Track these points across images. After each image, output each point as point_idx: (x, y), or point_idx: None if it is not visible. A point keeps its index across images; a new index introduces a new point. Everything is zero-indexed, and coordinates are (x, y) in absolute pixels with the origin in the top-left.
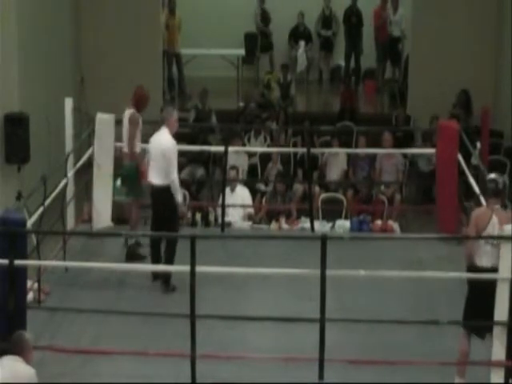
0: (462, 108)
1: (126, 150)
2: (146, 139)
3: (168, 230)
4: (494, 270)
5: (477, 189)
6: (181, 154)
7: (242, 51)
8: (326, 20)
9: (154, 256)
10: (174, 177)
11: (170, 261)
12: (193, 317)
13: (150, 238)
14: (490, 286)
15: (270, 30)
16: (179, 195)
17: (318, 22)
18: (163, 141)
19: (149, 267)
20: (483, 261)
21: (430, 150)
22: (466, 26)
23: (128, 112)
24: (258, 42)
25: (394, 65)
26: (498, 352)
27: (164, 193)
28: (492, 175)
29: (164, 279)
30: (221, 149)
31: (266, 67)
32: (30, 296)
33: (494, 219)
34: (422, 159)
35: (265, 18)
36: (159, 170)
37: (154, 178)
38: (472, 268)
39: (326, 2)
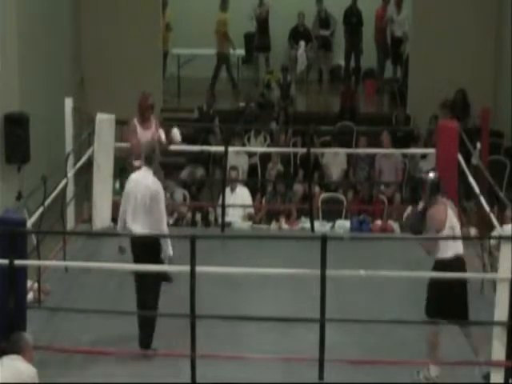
0: (459, 108)
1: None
2: None
3: (147, 294)
4: (459, 259)
5: (477, 189)
6: (181, 154)
7: (241, 51)
8: (323, 21)
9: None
10: (165, 227)
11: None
12: (193, 317)
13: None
14: (459, 270)
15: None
16: (170, 248)
17: (315, 23)
18: (151, 183)
19: (151, 267)
20: (448, 252)
21: (430, 150)
22: (465, 26)
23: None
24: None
25: (395, 65)
26: (498, 352)
27: (150, 245)
28: (431, 174)
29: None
30: (221, 149)
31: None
32: (30, 296)
33: (450, 211)
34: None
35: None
36: (146, 217)
37: (138, 226)
38: (438, 261)
39: (319, 7)
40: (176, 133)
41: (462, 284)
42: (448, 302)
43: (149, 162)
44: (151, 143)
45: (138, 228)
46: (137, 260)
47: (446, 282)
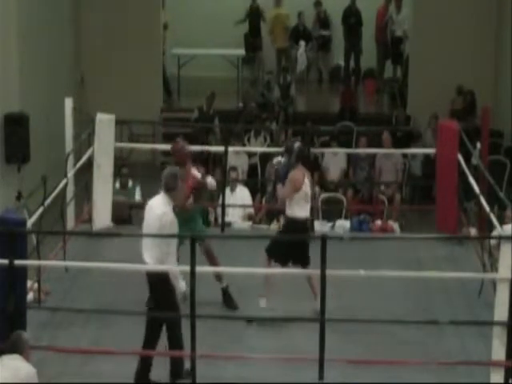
0: (467, 108)
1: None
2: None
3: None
4: (308, 219)
5: (477, 189)
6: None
7: (241, 51)
8: (322, 21)
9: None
10: (173, 260)
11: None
12: (193, 317)
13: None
14: (308, 230)
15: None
16: (182, 283)
17: (315, 24)
18: (161, 213)
19: (150, 267)
20: (301, 213)
21: (430, 150)
22: (466, 26)
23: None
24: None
25: (395, 65)
26: (498, 352)
27: (158, 278)
28: (297, 143)
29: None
30: (221, 149)
31: (266, 67)
32: (30, 296)
33: (306, 180)
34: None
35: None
36: (153, 247)
37: (147, 257)
38: (290, 218)
39: (317, 8)
40: (211, 182)
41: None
42: (291, 250)
43: (166, 188)
44: (173, 169)
45: (147, 258)
46: (150, 291)
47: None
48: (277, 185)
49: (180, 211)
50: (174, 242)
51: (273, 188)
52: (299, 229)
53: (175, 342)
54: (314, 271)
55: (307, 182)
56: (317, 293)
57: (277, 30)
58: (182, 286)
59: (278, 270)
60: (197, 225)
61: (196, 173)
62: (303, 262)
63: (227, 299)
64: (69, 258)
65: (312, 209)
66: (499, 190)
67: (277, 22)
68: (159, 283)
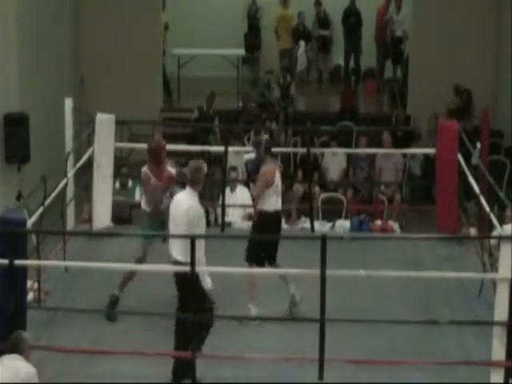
0: (464, 108)
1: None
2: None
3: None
4: (278, 213)
5: (477, 189)
6: (181, 154)
7: (241, 51)
8: (321, 21)
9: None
10: (202, 255)
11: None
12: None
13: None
14: (275, 225)
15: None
16: (208, 279)
17: (314, 24)
18: (189, 207)
19: (150, 267)
20: (273, 206)
21: (430, 150)
22: (466, 26)
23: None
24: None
25: (395, 65)
26: (498, 352)
27: (185, 274)
28: (265, 136)
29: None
30: (221, 149)
31: (265, 67)
32: (30, 296)
33: (277, 174)
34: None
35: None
36: (181, 242)
37: (174, 252)
38: (262, 212)
39: (317, 8)
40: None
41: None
42: (266, 249)
43: (192, 183)
44: (197, 163)
45: (174, 253)
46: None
47: (267, 232)
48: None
49: (155, 213)
50: (203, 235)
51: (247, 186)
52: (272, 222)
53: (178, 344)
54: (313, 271)
55: (278, 174)
56: (286, 279)
57: (282, 30)
58: (208, 281)
59: (277, 270)
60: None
61: (171, 170)
62: (273, 258)
63: None
64: (69, 258)
65: (311, 209)
66: (499, 189)
67: (282, 23)
68: (188, 281)
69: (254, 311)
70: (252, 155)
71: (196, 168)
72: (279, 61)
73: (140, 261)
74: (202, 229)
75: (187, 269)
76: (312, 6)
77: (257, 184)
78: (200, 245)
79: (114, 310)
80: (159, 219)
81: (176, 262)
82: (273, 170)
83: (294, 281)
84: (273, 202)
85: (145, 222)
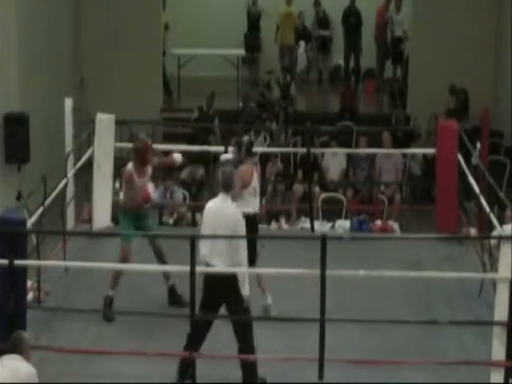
0: (461, 107)
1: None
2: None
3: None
4: (255, 214)
5: (477, 189)
6: (181, 154)
7: (241, 51)
8: (321, 21)
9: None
10: (245, 260)
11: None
12: (193, 317)
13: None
14: (254, 227)
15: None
16: (247, 287)
17: (314, 24)
18: (230, 213)
19: (149, 267)
20: (249, 208)
21: (430, 150)
22: (465, 26)
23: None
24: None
25: (395, 65)
26: (498, 352)
27: (230, 282)
28: (246, 137)
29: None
30: (221, 149)
31: (265, 67)
32: (30, 296)
33: (255, 175)
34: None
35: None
36: (226, 250)
37: (217, 260)
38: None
39: (316, 8)
40: (177, 156)
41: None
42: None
43: (226, 188)
44: (228, 170)
45: (217, 261)
46: (210, 298)
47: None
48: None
49: (133, 209)
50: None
51: (204, 173)
52: (249, 223)
53: (246, 344)
54: (313, 271)
55: (256, 176)
56: (265, 288)
57: (286, 26)
58: (246, 289)
59: (276, 270)
60: (148, 222)
61: (150, 189)
62: (252, 259)
63: (173, 297)
64: (69, 258)
65: (311, 209)
66: (499, 189)
67: (287, 20)
68: (234, 289)
69: (269, 299)
70: (229, 155)
71: (230, 174)
72: (279, 59)
73: (125, 260)
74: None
75: (226, 273)
76: (312, 5)
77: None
78: (244, 249)
79: (111, 311)
80: (137, 214)
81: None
82: (250, 171)
83: (294, 280)
84: (249, 204)
85: (123, 218)
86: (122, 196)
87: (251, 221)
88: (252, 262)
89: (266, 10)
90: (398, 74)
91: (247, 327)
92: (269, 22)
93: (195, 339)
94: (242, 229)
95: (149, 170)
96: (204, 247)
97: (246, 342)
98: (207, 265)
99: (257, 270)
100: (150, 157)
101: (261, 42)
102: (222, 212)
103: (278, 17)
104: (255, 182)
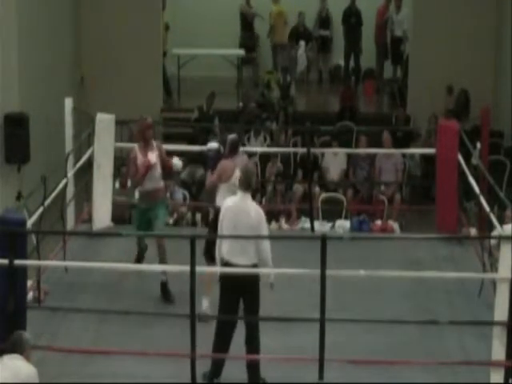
0: (461, 108)
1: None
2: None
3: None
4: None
5: (477, 189)
6: (181, 154)
7: (241, 51)
8: (323, 20)
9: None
10: (270, 253)
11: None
12: (193, 317)
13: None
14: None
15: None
16: (273, 275)
17: (316, 23)
18: (252, 211)
19: (149, 267)
20: (220, 202)
21: (430, 150)
22: (465, 27)
23: None
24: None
25: (395, 65)
26: (498, 352)
27: (255, 279)
28: (231, 135)
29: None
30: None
31: (263, 67)
32: (30, 296)
33: (237, 171)
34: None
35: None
36: (251, 248)
37: (244, 258)
38: (218, 208)
39: (322, 4)
40: (176, 162)
41: None
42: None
43: (246, 186)
44: (248, 167)
45: (244, 260)
46: (230, 298)
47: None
48: (207, 171)
49: (147, 199)
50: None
51: (204, 173)
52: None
53: (257, 344)
54: (313, 271)
55: (237, 172)
56: (206, 291)
57: (279, 24)
58: (272, 276)
59: (276, 270)
60: (159, 212)
61: (151, 157)
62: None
63: (166, 293)
64: (69, 258)
65: (311, 209)
66: (499, 189)
67: (279, 18)
68: (255, 285)
69: (205, 303)
70: (215, 145)
71: (253, 173)
72: (272, 57)
73: (141, 255)
74: (267, 229)
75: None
76: (312, 5)
77: (211, 176)
78: (268, 245)
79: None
80: (152, 204)
81: (253, 266)
82: (231, 167)
83: (294, 280)
84: (225, 199)
85: (136, 210)
86: (129, 183)
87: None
88: None
89: (260, 14)
90: (398, 74)
91: (258, 328)
92: (263, 23)
93: (221, 340)
94: (265, 227)
95: (153, 151)
96: (224, 246)
97: (257, 343)
98: (227, 264)
99: (257, 270)
100: (149, 134)
101: (256, 42)
102: (244, 211)
103: (270, 17)
104: (236, 180)
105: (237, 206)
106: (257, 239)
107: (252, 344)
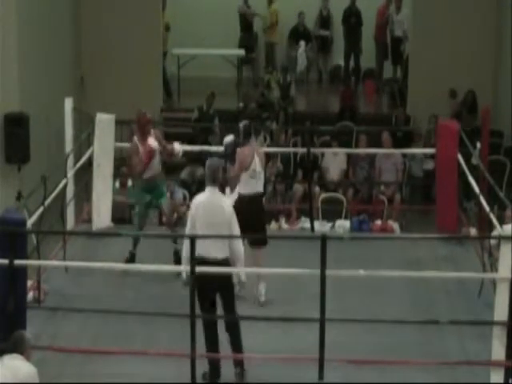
0: (468, 108)
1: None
2: None
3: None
4: (257, 195)
5: (477, 189)
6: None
7: (242, 51)
8: (323, 20)
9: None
10: (242, 247)
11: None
12: (193, 317)
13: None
14: (255, 205)
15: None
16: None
17: (316, 22)
18: (223, 205)
19: (149, 267)
20: (247, 189)
21: (430, 150)
22: (465, 27)
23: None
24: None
25: (395, 65)
26: (498, 352)
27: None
28: (242, 122)
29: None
30: (221, 149)
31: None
32: (30, 296)
33: (256, 158)
34: (416, 163)
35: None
36: (224, 241)
37: (219, 252)
38: (240, 196)
39: (323, 3)
40: (177, 147)
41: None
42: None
43: (213, 180)
44: (214, 161)
45: (220, 254)
46: (206, 293)
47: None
48: (227, 164)
49: (146, 184)
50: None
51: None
52: (250, 205)
53: (239, 341)
54: (313, 271)
55: (257, 159)
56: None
57: (271, 24)
58: (243, 276)
59: (277, 270)
60: (161, 191)
61: (152, 143)
62: (259, 240)
63: (179, 259)
64: (69, 258)
65: (311, 209)
66: (499, 189)
67: (275, 17)
68: (229, 277)
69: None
70: (231, 138)
71: (219, 167)
72: (266, 55)
73: (132, 254)
74: (237, 223)
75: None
76: (312, 5)
77: (233, 168)
78: (240, 240)
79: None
80: (152, 184)
81: (223, 261)
82: (248, 153)
83: (294, 280)
84: (247, 186)
85: (136, 187)
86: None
87: (248, 202)
88: (263, 243)
89: (259, 14)
90: (398, 75)
91: (238, 324)
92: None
93: (209, 339)
94: (235, 221)
95: (152, 145)
96: (198, 242)
97: (239, 339)
98: (202, 259)
99: (257, 270)
100: (148, 129)
101: (255, 42)
102: (219, 206)
103: (268, 16)
104: (255, 164)
105: (210, 202)
106: (230, 237)
107: (234, 339)
